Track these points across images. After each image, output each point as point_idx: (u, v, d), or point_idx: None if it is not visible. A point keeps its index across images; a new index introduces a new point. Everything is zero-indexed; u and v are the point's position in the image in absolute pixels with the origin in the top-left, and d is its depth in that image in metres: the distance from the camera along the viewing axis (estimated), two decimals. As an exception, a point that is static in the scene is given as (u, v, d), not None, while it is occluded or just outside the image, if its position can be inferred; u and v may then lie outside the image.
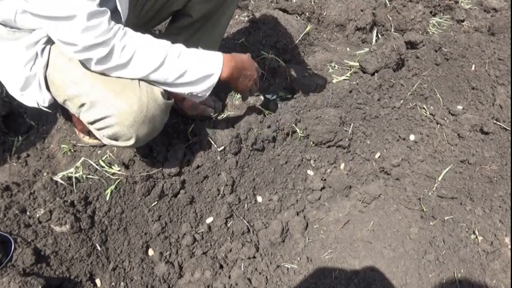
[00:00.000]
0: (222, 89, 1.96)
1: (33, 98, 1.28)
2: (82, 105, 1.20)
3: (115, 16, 1.16)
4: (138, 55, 1.13)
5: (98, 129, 1.23)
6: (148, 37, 1.17)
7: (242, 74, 1.40)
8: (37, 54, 1.22)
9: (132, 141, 1.22)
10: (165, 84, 1.22)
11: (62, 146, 1.63)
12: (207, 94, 1.31)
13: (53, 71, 1.23)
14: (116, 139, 1.23)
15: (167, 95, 1.28)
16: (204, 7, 1.55)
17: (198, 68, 1.23)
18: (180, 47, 1.22)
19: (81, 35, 1.03)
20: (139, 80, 1.19)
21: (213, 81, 1.29)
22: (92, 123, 1.22)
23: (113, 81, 1.17)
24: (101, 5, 1.07)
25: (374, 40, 2.36)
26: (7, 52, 1.22)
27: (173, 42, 1.19)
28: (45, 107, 1.30)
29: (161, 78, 1.19)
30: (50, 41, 1.22)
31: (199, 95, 1.30)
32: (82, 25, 1.02)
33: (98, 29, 1.04)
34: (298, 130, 1.80)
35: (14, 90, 1.28)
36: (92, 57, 1.09)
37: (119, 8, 1.19)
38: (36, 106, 1.30)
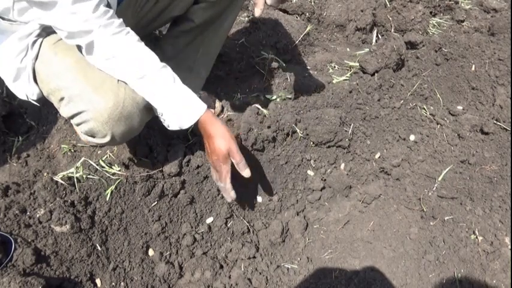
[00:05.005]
0: (222, 89, 1.96)
1: (23, 90, 1.28)
2: (62, 99, 1.20)
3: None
4: (117, 59, 1.14)
5: (76, 125, 1.23)
6: (139, 47, 1.17)
7: (207, 148, 1.35)
8: (28, 46, 1.22)
9: (107, 139, 1.20)
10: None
11: (62, 146, 1.63)
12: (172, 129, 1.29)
13: (39, 63, 1.23)
14: (92, 135, 1.22)
15: None
16: (206, 13, 1.55)
17: (172, 111, 1.22)
18: (165, 77, 1.21)
19: (66, 20, 1.06)
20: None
21: (180, 127, 1.27)
22: (70, 117, 1.22)
23: (94, 77, 1.17)
24: None
25: (374, 40, 2.36)
26: (5, 44, 1.22)
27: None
28: (34, 100, 1.31)
29: (135, 89, 1.20)
30: (42, 34, 1.23)
31: (165, 124, 1.28)
32: (67, 10, 1.03)
33: (81, 15, 1.06)
34: (298, 130, 1.80)
35: (8, 81, 1.29)
36: (79, 44, 1.12)
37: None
38: (26, 99, 1.30)
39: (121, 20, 1.15)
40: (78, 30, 1.08)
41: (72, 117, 1.20)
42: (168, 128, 1.28)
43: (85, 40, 1.11)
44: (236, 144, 1.31)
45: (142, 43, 1.20)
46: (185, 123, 1.25)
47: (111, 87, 1.16)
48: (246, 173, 1.34)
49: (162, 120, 1.28)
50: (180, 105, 1.22)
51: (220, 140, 1.28)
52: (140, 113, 1.22)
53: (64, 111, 1.21)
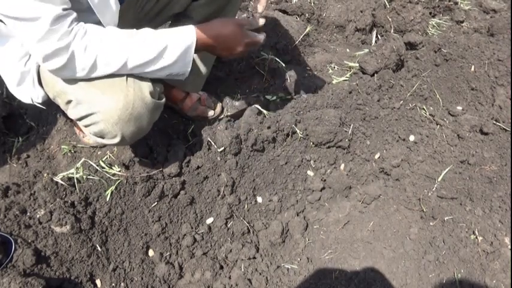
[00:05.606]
0: (222, 89, 1.96)
1: (28, 93, 1.28)
2: (69, 101, 1.20)
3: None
4: (102, 52, 1.10)
5: (85, 126, 1.23)
6: (110, 30, 1.13)
7: (225, 50, 1.29)
8: None
9: (117, 139, 1.21)
10: (140, 70, 1.19)
11: (62, 146, 1.63)
12: (188, 71, 1.25)
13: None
14: (102, 136, 1.22)
15: (158, 94, 1.26)
16: (205, 10, 1.56)
17: (168, 54, 1.18)
18: (145, 32, 1.17)
19: (42, 40, 1.02)
20: (127, 77, 1.18)
21: (187, 67, 1.24)
22: (79, 119, 1.22)
23: (100, 79, 1.17)
24: (76, 12, 1.05)
25: (374, 41, 2.36)
26: (6, 47, 1.22)
27: None
28: (39, 103, 1.31)
29: (134, 68, 1.17)
30: None
31: (180, 74, 1.25)
32: (44, 29, 1.00)
33: (58, 32, 1.03)
34: (298, 131, 1.80)
35: (11, 86, 1.29)
36: (60, 64, 1.07)
37: (102, 21, 1.17)
38: (31, 102, 1.30)
39: (81, 22, 1.11)
40: (55, 49, 1.04)
41: (81, 119, 1.20)
42: (185, 76, 1.26)
43: (64, 57, 1.06)
44: (233, 18, 1.28)
45: (100, 26, 1.15)
46: (188, 46, 1.20)
47: (121, 88, 1.16)
48: (261, 22, 1.32)
49: (177, 77, 1.25)
50: (173, 38, 1.18)
51: (224, 29, 1.24)
52: (149, 113, 1.22)
53: (72, 113, 1.21)
